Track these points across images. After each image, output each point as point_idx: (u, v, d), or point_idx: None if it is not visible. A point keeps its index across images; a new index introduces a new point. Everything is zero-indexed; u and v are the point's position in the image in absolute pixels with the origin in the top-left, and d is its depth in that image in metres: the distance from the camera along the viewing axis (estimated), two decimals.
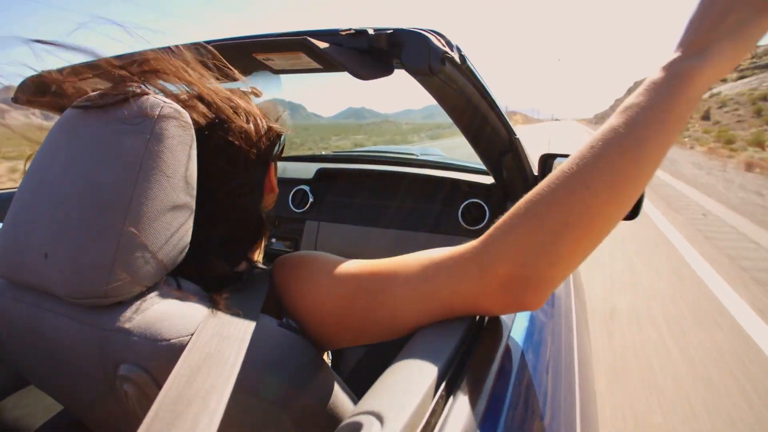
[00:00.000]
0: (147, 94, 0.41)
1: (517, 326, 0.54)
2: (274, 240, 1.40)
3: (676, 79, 0.36)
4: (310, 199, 1.36)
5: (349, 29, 0.60)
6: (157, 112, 0.40)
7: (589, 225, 0.37)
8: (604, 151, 0.36)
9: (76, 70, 0.81)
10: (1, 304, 0.42)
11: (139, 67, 0.45)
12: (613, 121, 0.37)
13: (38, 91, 0.87)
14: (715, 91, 39.93)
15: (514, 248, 0.38)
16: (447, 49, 0.59)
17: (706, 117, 30.32)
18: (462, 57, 0.63)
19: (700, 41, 0.37)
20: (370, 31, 0.59)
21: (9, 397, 0.77)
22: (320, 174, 1.39)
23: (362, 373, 1.04)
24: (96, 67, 0.77)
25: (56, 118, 0.43)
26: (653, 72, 0.38)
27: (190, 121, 0.42)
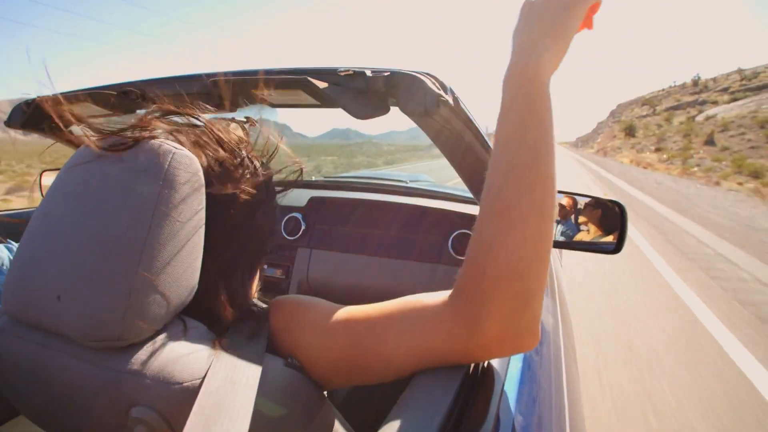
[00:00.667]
0: (157, 138, 0.42)
1: (512, 368, 0.55)
2: (266, 267, 1.40)
3: (512, 80, 0.44)
4: (303, 227, 1.36)
5: (348, 70, 0.62)
6: (169, 159, 0.41)
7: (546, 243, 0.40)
8: (507, 157, 0.42)
9: (72, 98, 0.82)
10: (5, 340, 0.42)
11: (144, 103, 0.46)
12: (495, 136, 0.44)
13: (33, 116, 0.88)
14: (710, 113, 39.91)
15: (499, 307, 0.38)
16: (441, 92, 0.62)
17: (710, 142, 27.97)
18: (455, 99, 0.65)
19: (525, 45, 0.44)
20: (368, 73, 0.61)
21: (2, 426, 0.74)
22: (313, 202, 1.40)
23: (349, 406, 1.04)
24: (95, 97, 0.78)
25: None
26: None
27: (200, 167, 0.44)
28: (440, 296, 0.44)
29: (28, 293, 0.40)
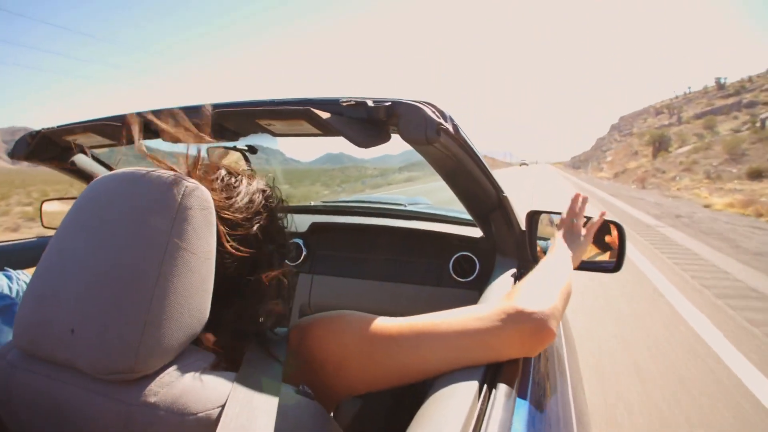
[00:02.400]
0: (172, 170, 0.43)
1: (524, 376, 0.56)
2: None
3: (566, 256, 0.78)
4: (304, 252, 1.36)
5: (350, 100, 0.64)
6: (182, 192, 0.41)
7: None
8: (568, 287, 0.68)
9: (76, 129, 0.83)
10: (17, 375, 0.42)
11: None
12: (563, 276, 0.69)
13: (38, 147, 0.88)
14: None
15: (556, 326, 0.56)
16: (441, 120, 0.63)
17: (687, 169, 24.25)
18: (455, 126, 0.67)
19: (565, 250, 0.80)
20: (370, 103, 0.62)
21: None
22: (314, 227, 1.41)
23: (359, 424, 1.04)
24: (98, 128, 0.79)
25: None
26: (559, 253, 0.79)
27: (211, 199, 0.44)
28: (500, 315, 0.54)
29: (41, 327, 0.40)
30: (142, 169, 0.44)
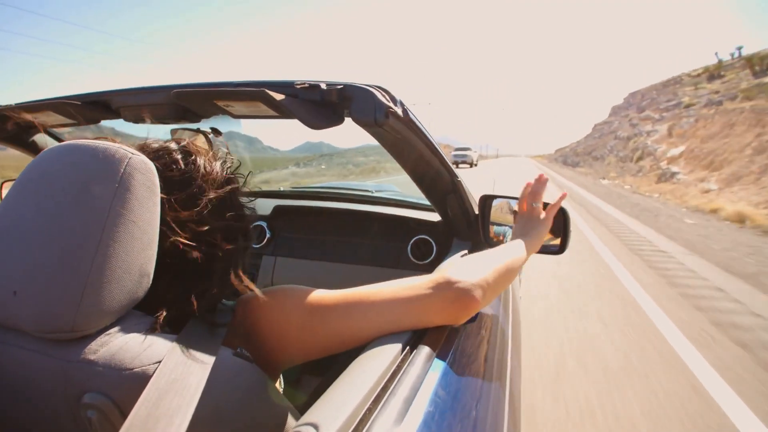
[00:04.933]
0: (116, 143, 0.45)
1: (449, 341, 0.60)
2: None
3: (518, 243, 0.80)
4: (267, 235, 1.39)
5: (304, 83, 0.67)
6: (126, 162, 0.44)
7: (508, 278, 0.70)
8: (508, 265, 0.70)
9: (35, 107, 0.83)
10: None
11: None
12: (504, 255, 0.72)
13: None
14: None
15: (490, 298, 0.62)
16: (391, 104, 0.67)
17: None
18: (405, 111, 0.71)
19: (522, 234, 0.85)
20: (323, 86, 0.65)
21: None
22: (277, 211, 1.43)
23: (316, 399, 1.08)
24: (59, 107, 0.80)
25: None
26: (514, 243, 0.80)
27: (155, 170, 0.47)
28: (429, 284, 0.58)
29: None
30: (88, 141, 0.46)
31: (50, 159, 0.45)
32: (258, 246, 1.38)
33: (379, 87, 0.68)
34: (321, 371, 1.26)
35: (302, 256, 1.35)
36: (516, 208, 1.18)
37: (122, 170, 0.43)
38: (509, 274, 0.70)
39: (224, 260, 0.55)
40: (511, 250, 0.76)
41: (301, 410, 0.56)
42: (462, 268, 0.62)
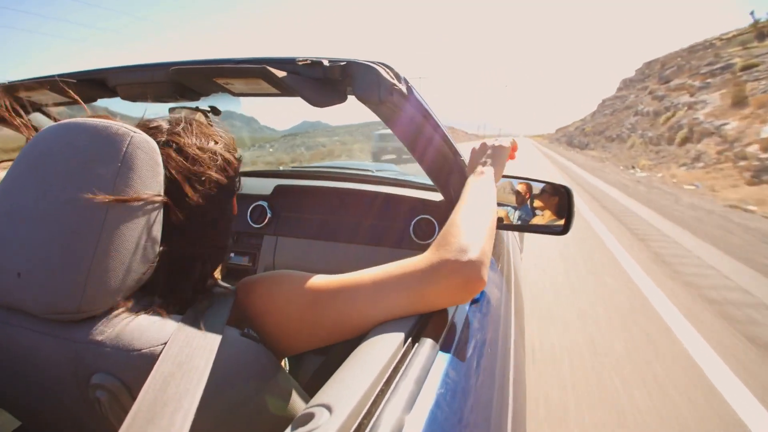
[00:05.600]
0: (115, 121, 0.44)
1: (455, 324, 0.60)
2: (233, 255, 1.41)
3: (479, 176, 0.77)
4: (268, 215, 1.38)
5: (306, 59, 0.65)
6: (128, 141, 0.43)
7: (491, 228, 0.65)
8: (492, 217, 0.67)
9: (31, 86, 0.82)
10: None
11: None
12: (485, 208, 0.68)
13: None
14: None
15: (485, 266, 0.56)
16: (395, 81, 0.66)
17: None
18: (409, 88, 0.69)
19: (478, 164, 0.81)
20: (325, 63, 0.64)
21: None
22: (278, 190, 1.43)
23: (319, 380, 1.09)
24: (55, 85, 0.78)
25: None
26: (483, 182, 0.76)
27: (157, 149, 0.46)
28: (432, 267, 0.54)
29: None
30: (88, 119, 0.45)
31: (50, 139, 0.44)
32: (259, 226, 1.38)
33: (383, 64, 0.66)
34: (324, 350, 1.27)
35: (304, 236, 1.35)
36: (519, 188, 1.17)
37: (124, 149, 0.43)
38: (494, 224, 0.66)
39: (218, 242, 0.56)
40: (485, 195, 0.71)
41: (305, 389, 0.57)
42: (460, 242, 0.57)
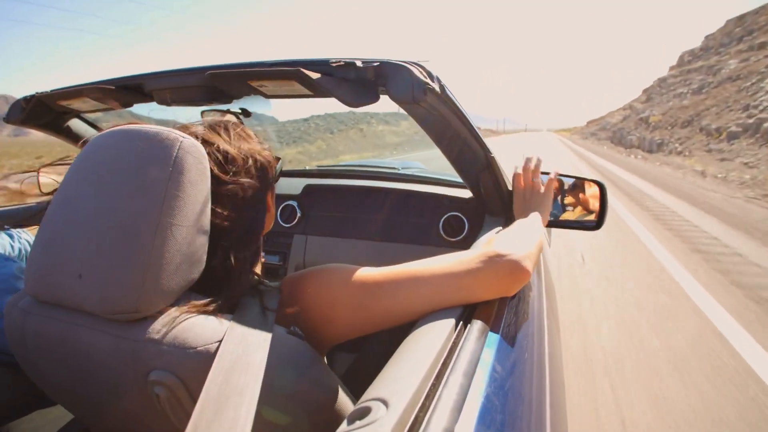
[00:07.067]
0: (167, 128, 0.46)
1: (499, 317, 0.60)
2: (264, 254, 1.43)
3: (536, 216, 0.86)
4: (298, 214, 1.40)
5: (339, 61, 0.65)
6: (178, 146, 0.45)
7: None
8: (540, 236, 0.76)
9: (71, 93, 0.84)
10: (30, 320, 0.45)
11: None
12: (535, 227, 0.78)
13: (32, 112, 0.90)
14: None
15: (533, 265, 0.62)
16: (428, 80, 0.65)
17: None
18: (442, 87, 0.69)
19: (529, 209, 0.92)
20: (359, 63, 0.64)
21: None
22: (307, 189, 1.44)
23: (353, 378, 1.10)
24: (93, 92, 0.80)
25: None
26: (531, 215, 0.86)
27: (204, 152, 0.48)
28: (480, 257, 0.58)
29: (50, 274, 0.44)
30: (139, 126, 0.47)
31: (105, 145, 0.46)
32: (289, 225, 1.39)
33: (416, 63, 0.66)
34: (354, 348, 1.28)
35: (334, 235, 1.35)
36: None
37: (175, 153, 0.44)
38: (542, 247, 0.73)
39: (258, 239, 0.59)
40: (537, 225, 0.81)
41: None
42: (507, 241, 0.63)
